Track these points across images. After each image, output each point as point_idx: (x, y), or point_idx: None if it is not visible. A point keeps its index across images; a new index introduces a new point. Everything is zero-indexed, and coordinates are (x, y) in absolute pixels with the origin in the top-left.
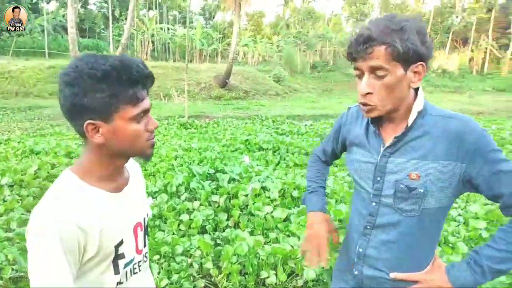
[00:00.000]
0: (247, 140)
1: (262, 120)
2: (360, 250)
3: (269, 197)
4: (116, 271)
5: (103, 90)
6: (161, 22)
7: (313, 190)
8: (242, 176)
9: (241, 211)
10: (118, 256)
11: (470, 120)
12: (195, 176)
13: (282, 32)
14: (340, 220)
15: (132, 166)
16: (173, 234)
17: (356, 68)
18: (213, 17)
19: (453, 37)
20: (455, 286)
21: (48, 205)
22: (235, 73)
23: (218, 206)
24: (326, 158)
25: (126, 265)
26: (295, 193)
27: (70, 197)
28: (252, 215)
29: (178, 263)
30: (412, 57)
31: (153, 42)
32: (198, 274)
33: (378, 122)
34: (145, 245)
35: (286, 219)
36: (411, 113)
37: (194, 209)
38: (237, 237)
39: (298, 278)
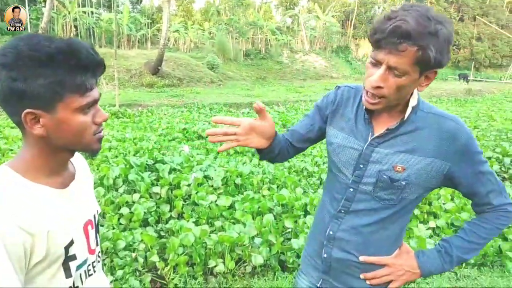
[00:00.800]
0: (184, 129)
1: (199, 108)
2: (331, 232)
3: (212, 186)
4: (68, 274)
5: (46, 76)
6: (84, 6)
7: None
8: (183, 166)
9: (184, 201)
10: (69, 258)
11: (462, 122)
12: (132, 167)
13: (213, 19)
14: (283, 205)
15: (78, 160)
16: (113, 228)
17: (375, 58)
18: (140, 2)
19: None
20: (423, 271)
21: None
22: (167, 60)
23: (160, 197)
24: (294, 141)
25: (78, 267)
26: (238, 181)
27: (9, 197)
28: (196, 204)
29: (122, 258)
30: (433, 65)
31: (75, 27)
32: (144, 268)
33: (370, 110)
34: (97, 244)
35: (231, 207)
36: (408, 108)
37: (134, 202)
38: (182, 228)
39: (245, 264)
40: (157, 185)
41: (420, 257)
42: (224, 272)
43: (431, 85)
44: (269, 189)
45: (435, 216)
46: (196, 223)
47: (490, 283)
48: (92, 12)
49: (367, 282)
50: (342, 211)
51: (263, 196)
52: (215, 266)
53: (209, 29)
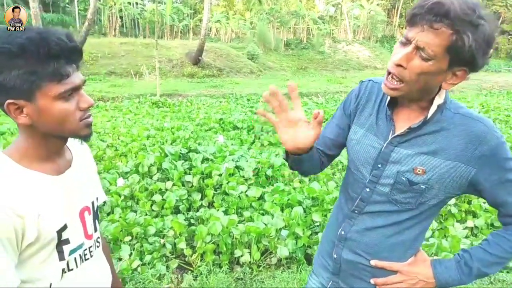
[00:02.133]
0: (221, 119)
1: (237, 98)
2: (342, 233)
3: (243, 176)
4: (61, 257)
5: (20, 67)
6: None
7: None
8: (216, 155)
9: (215, 190)
10: (62, 242)
11: (493, 125)
12: (167, 156)
13: (255, 8)
14: (313, 198)
15: (78, 148)
16: (146, 215)
17: (405, 36)
18: None
19: None
20: (439, 282)
21: None
22: (207, 50)
23: (192, 186)
24: (322, 147)
25: (72, 251)
26: (269, 172)
27: (2, 182)
28: (227, 194)
29: (151, 244)
30: (465, 60)
31: (121, 18)
32: (172, 254)
33: (393, 106)
34: (95, 230)
35: (260, 198)
36: (432, 105)
37: (167, 190)
38: (211, 217)
39: (271, 256)
40: (189, 173)
41: (437, 267)
42: (249, 262)
43: (481, 76)
44: (300, 181)
45: (474, 215)
46: (226, 213)
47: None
48: (136, 3)
49: None
50: (356, 211)
51: (294, 188)
52: (241, 256)
53: (251, 19)
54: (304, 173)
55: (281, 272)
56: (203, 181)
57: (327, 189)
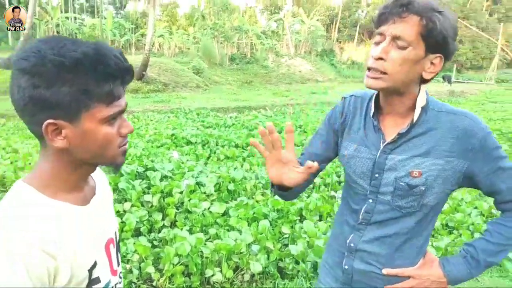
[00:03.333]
0: (173, 134)
1: (186, 113)
2: (352, 245)
3: (205, 193)
4: None
5: (72, 83)
6: (66, 11)
7: None
8: (175, 172)
9: (177, 209)
10: (92, 282)
11: (477, 118)
12: (122, 175)
13: (198, 24)
14: (278, 210)
15: (96, 173)
16: None
17: (379, 34)
18: (124, 7)
19: (360, 30)
20: (451, 280)
21: (2, 228)
22: (152, 65)
23: (152, 206)
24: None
25: None
26: (231, 186)
27: (29, 216)
28: (189, 212)
29: None
30: (438, 43)
31: (58, 33)
32: (139, 280)
33: (378, 116)
34: (118, 264)
35: (225, 214)
36: (416, 108)
37: (125, 211)
38: (176, 237)
39: (243, 273)
40: (148, 193)
41: (446, 266)
42: (221, 282)
43: None
44: (262, 194)
45: None
46: (190, 231)
47: (494, 283)
48: (75, 18)
49: None
50: (363, 223)
51: (257, 201)
52: (212, 275)
53: (194, 34)
54: (287, 200)
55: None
56: (164, 200)
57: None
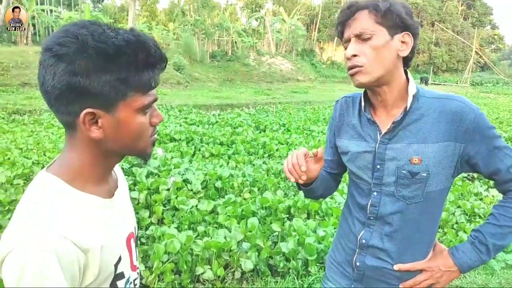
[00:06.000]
0: (156, 131)
1: (168, 109)
2: (363, 241)
3: (191, 190)
4: None
5: (113, 72)
6: (42, 4)
7: None
8: (161, 169)
9: (164, 206)
10: (116, 277)
11: (467, 100)
12: None
13: (178, 20)
14: (266, 208)
15: (116, 166)
16: None
17: (344, 42)
18: (102, 0)
19: None
20: (462, 268)
21: (33, 221)
22: None
23: (138, 203)
24: (329, 170)
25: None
26: (219, 184)
27: (60, 209)
28: (176, 209)
29: None
30: (396, 22)
31: (34, 25)
32: None
33: (370, 108)
34: (137, 259)
35: (213, 211)
36: (408, 96)
37: None
38: (165, 234)
39: (233, 270)
40: (134, 190)
41: (455, 254)
42: (212, 279)
43: None
44: (250, 192)
45: None
46: (178, 229)
47: (483, 281)
48: (51, 11)
49: None
50: (372, 218)
51: (245, 199)
52: (202, 273)
53: (174, 30)
54: (318, 198)
55: (248, 286)
56: (150, 197)
57: (278, 198)
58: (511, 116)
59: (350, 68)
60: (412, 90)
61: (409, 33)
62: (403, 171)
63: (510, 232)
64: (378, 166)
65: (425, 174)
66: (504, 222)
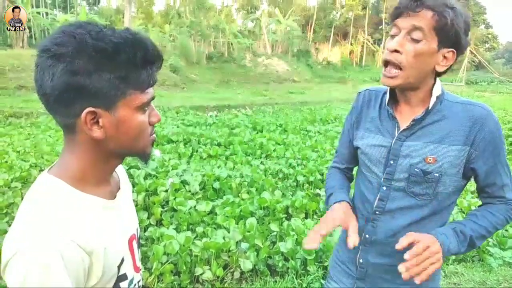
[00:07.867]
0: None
1: (165, 111)
2: (367, 236)
3: (190, 191)
4: None
5: (113, 70)
6: (37, 6)
7: (335, 190)
8: (159, 171)
9: (163, 207)
10: (119, 278)
11: (491, 110)
12: None
13: (174, 22)
14: (264, 208)
15: (119, 167)
16: None
17: (394, 26)
18: (98, 3)
19: (335, 31)
20: (444, 250)
21: (37, 224)
22: None
23: (137, 204)
24: (345, 165)
25: None
26: (216, 185)
27: (64, 211)
28: (175, 210)
29: None
30: (451, 38)
31: (29, 28)
32: None
33: (392, 105)
34: (139, 260)
35: (211, 212)
36: (432, 96)
37: None
38: (164, 236)
39: (232, 270)
40: (133, 191)
41: (439, 236)
42: (211, 280)
43: None
44: (248, 192)
45: None
46: (177, 230)
47: (481, 278)
48: (46, 13)
49: (416, 280)
50: (378, 212)
51: (243, 199)
52: (202, 274)
53: (170, 32)
54: None
55: (247, 286)
56: (149, 199)
57: (275, 198)
58: (505, 115)
59: (388, 63)
60: (436, 91)
61: (455, 51)
62: (416, 169)
63: (483, 236)
64: (391, 162)
65: (437, 175)
66: (484, 224)
